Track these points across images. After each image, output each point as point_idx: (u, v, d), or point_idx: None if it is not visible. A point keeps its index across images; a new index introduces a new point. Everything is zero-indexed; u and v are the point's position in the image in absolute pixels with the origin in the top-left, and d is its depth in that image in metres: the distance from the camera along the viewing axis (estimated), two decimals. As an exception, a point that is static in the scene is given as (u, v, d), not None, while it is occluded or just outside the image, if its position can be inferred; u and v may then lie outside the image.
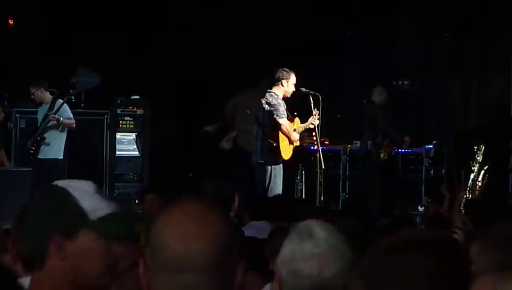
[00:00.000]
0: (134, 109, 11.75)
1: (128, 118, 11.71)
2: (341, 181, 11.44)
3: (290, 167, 10.07)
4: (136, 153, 11.72)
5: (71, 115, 10.13)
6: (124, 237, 1.95)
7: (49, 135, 10.07)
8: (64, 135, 10.16)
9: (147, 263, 1.73)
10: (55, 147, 10.09)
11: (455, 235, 5.16)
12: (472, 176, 10.56)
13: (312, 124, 9.31)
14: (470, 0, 11.77)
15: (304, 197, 11.44)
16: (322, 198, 9.76)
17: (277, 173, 9.13)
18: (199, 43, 11.93)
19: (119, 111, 11.65)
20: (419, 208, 10.77)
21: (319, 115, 9.27)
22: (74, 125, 10.14)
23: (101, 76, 10.74)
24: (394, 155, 11.02)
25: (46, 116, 10.07)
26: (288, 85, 9.13)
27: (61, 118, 9.99)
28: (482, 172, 10.54)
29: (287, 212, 6.65)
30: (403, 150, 11.11)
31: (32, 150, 10.06)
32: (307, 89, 9.31)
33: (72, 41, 11.48)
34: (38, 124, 10.18)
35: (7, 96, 11.08)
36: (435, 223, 6.20)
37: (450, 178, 10.53)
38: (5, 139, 10.78)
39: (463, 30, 11.61)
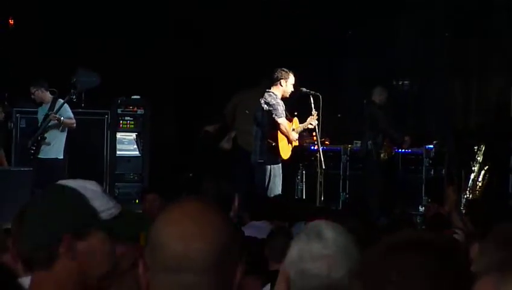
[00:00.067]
0: (135, 108, 11.75)
1: (128, 118, 11.72)
2: (341, 181, 11.43)
3: (290, 166, 10.08)
4: (137, 153, 11.72)
5: (72, 115, 10.13)
6: (128, 237, 1.95)
7: (50, 135, 10.07)
8: (64, 135, 10.16)
9: (146, 263, 1.73)
10: (55, 146, 10.09)
11: (455, 236, 5.16)
12: (472, 176, 10.58)
13: (311, 124, 9.31)
14: (470, 0, 11.77)
15: (304, 197, 11.44)
16: (322, 198, 9.76)
17: (276, 172, 9.14)
18: (199, 43, 11.94)
19: (119, 111, 11.66)
20: (419, 208, 10.77)
21: (318, 115, 9.28)
22: (75, 125, 10.14)
23: (101, 76, 10.75)
24: (394, 155, 11.01)
25: (46, 115, 10.07)
26: (287, 85, 9.14)
27: (62, 118, 10.00)
28: (483, 172, 10.56)
29: (287, 212, 6.66)
30: (403, 150, 11.10)
31: (32, 149, 10.06)
32: (307, 89, 9.32)
33: (72, 41, 11.49)
34: (39, 124, 10.18)
35: (7, 96, 11.08)
36: (435, 223, 6.20)
37: (452, 178, 10.52)
38: (5, 139, 10.79)
39: (463, 30, 11.60)
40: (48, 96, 10.23)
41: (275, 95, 9.11)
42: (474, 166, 10.57)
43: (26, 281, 2.05)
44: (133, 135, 11.75)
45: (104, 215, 1.95)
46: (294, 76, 9.20)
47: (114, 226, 1.95)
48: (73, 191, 1.96)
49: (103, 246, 1.93)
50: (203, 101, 11.90)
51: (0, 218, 5.45)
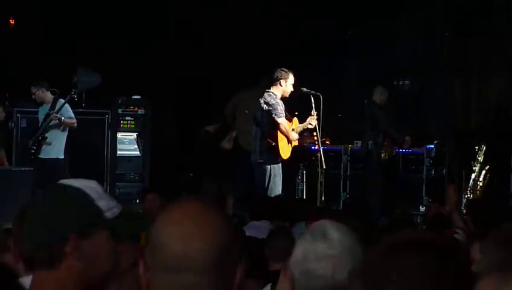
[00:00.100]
0: (135, 108, 11.76)
1: (129, 118, 11.72)
2: (342, 181, 11.43)
3: (290, 166, 10.08)
4: (137, 152, 11.72)
5: (72, 115, 10.13)
6: (129, 237, 1.95)
7: (51, 135, 10.07)
8: (65, 135, 10.16)
9: (146, 263, 1.73)
10: (56, 146, 10.09)
11: (456, 235, 5.16)
12: (473, 176, 10.58)
13: (310, 124, 9.32)
14: (470, 0, 11.77)
15: (304, 197, 11.44)
16: (323, 198, 9.77)
17: (276, 172, 9.14)
18: (199, 43, 11.94)
19: (120, 111, 11.66)
20: (420, 208, 10.77)
21: (318, 115, 9.29)
22: (75, 124, 10.14)
23: (101, 76, 10.75)
24: (395, 155, 11.01)
25: (47, 115, 10.07)
26: (286, 85, 9.14)
27: (63, 118, 10.00)
28: (483, 172, 10.56)
29: (287, 212, 6.67)
30: (403, 150, 11.11)
31: (33, 149, 10.06)
32: (307, 89, 9.32)
33: (72, 41, 11.49)
34: (40, 124, 10.17)
35: (8, 96, 11.09)
36: (436, 223, 6.20)
37: (452, 178, 10.52)
38: (6, 139, 10.79)
39: (463, 30, 11.61)
40: (49, 96, 10.23)
41: (275, 95, 9.12)
42: (474, 166, 10.57)
43: (27, 280, 2.05)
44: (134, 135, 11.75)
45: (107, 215, 1.95)
46: (294, 76, 9.20)
47: (123, 225, 1.95)
48: (77, 190, 1.96)
49: (107, 245, 1.93)
50: (203, 101, 11.90)
51: (1, 218, 5.45)
